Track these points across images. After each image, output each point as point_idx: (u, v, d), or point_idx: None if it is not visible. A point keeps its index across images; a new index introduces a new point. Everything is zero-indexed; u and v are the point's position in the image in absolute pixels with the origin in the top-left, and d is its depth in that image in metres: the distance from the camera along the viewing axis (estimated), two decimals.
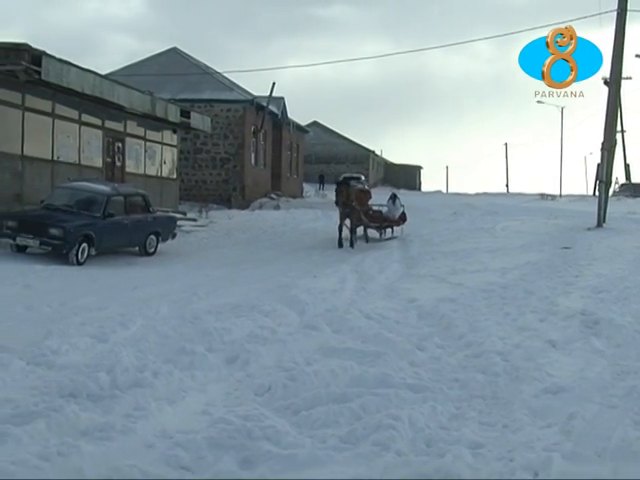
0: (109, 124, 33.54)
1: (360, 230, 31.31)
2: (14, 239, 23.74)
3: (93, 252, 24.05)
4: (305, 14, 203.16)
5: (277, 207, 49.10)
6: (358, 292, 18.64)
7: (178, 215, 34.51)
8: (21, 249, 23.87)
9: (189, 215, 38.70)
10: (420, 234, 31.35)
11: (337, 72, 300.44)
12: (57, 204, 24.94)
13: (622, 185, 75.82)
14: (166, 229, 28.16)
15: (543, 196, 66.06)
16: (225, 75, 53.07)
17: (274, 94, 51.68)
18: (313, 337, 12.94)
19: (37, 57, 25.98)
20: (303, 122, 68.56)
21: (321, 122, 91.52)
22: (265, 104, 51.42)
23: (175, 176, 41.26)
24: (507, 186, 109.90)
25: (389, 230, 33.19)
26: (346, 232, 29.74)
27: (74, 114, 30.85)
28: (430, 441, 7.84)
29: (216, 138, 48.44)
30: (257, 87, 55.09)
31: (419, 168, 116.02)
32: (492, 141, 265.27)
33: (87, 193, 25.69)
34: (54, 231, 23.24)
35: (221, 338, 12.47)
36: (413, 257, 25.02)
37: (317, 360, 11.05)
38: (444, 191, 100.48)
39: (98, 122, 32.72)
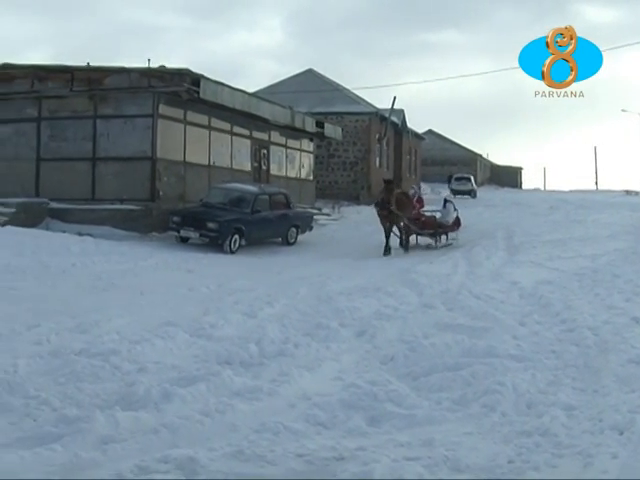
0: (256, 134, 33.85)
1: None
2: (178, 232, 24.41)
3: (243, 242, 24.49)
4: (419, 39, 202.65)
5: None
6: (468, 276, 18.48)
7: (314, 210, 34.81)
8: (184, 240, 24.45)
9: (324, 210, 38.91)
10: (522, 226, 30.83)
11: (448, 87, 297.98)
12: (213, 202, 25.46)
13: None
14: (304, 222, 28.43)
15: (628, 192, 64.26)
16: (353, 91, 53.06)
17: (395, 107, 51.42)
18: (430, 314, 12.90)
19: (196, 80, 26.64)
20: (420, 130, 67.88)
21: (435, 130, 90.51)
22: (387, 115, 51.17)
23: (312, 177, 41.41)
24: (596, 184, 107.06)
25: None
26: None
27: (227, 126, 31.23)
28: (530, 404, 7.76)
29: (346, 145, 48.35)
30: (380, 101, 54.71)
31: (520, 169, 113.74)
32: (583, 144, 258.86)
33: (238, 192, 26.17)
34: (211, 225, 23.75)
35: (351, 315, 12.55)
36: (515, 245, 24.63)
37: (433, 334, 11.01)
38: (542, 189, 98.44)
39: (247, 133, 33.06)
